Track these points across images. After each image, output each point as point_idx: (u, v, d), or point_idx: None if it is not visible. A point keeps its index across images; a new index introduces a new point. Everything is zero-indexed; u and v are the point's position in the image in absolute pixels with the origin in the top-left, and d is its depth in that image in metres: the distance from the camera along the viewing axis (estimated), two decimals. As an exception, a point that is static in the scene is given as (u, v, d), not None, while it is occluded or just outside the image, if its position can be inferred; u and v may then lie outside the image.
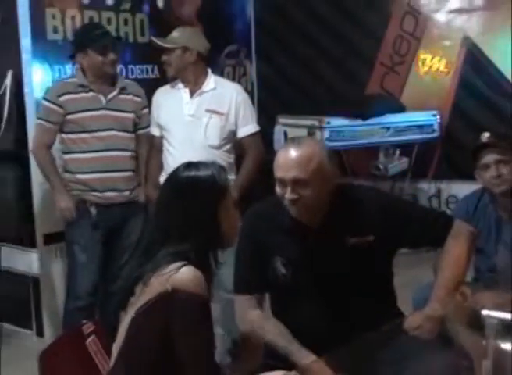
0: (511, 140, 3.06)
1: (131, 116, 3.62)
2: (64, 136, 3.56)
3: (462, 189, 3.91)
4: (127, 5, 4.44)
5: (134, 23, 4.51)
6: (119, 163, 3.58)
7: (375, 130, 5.09)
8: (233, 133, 3.57)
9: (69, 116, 3.50)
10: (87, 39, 3.49)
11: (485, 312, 1.66)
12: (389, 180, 5.24)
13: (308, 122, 5.09)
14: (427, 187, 5.37)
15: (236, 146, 3.62)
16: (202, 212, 1.87)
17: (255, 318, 2.28)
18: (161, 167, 3.60)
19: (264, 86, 5.78)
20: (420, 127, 5.14)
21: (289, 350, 2.13)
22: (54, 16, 4.03)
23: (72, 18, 4.11)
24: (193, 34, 3.70)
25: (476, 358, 1.85)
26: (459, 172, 4.90)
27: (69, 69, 3.99)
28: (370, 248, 2.22)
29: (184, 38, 3.56)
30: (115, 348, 1.88)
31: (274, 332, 2.22)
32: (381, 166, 5.19)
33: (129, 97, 3.63)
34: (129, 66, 4.48)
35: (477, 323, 1.72)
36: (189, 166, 1.94)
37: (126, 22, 4.46)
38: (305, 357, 2.10)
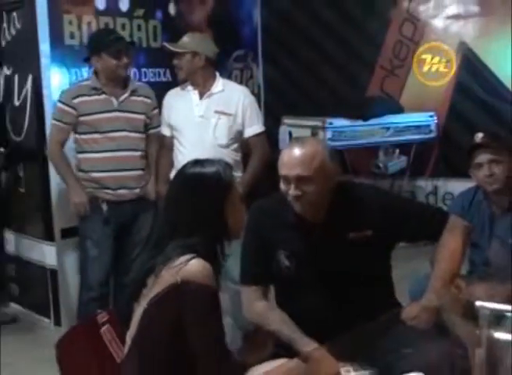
0: (504, 140, 3.05)
1: (142, 117, 3.62)
2: (77, 136, 3.57)
3: (458, 186, 3.90)
4: (141, 12, 4.45)
5: (147, 29, 4.51)
6: (130, 163, 3.59)
7: (375, 131, 5.09)
8: (240, 133, 3.57)
9: (83, 118, 3.51)
10: (102, 44, 3.50)
11: (478, 303, 1.66)
12: (389, 178, 5.24)
13: (312, 122, 5.10)
14: (424, 184, 5.38)
15: (243, 145, 3.62)
16: (209, 207, 1.86)
17: (261, 308, 2.28)
18: (171, 165, 3.60)
19: (270, 88, 5.77)
20: (418, 128, 5.13)
21: (293, 338, 2.14)
22: (71, 22, 4.04)
23: (88, 24, 4.11)
24: (202, 40, 3.70)
25: (470, 347, 1.84)
26: (455, 170, 4.90)
27: (85, 72, 4.00)
28: (368, 242, 2.21)
29: (194, 43, 3.56)
30: (129, 336, 1.88)
31: (278, 322, 2.22)
32: (381, 165, 5.20)
33: (140, 99, 3.63)
34: (143, 70, 4.49)
35: (471, 314, 1.72)
36: (195, 163, 1.94)
37: (139, 28, 4.46)
38: (307, 345, 2.11)
